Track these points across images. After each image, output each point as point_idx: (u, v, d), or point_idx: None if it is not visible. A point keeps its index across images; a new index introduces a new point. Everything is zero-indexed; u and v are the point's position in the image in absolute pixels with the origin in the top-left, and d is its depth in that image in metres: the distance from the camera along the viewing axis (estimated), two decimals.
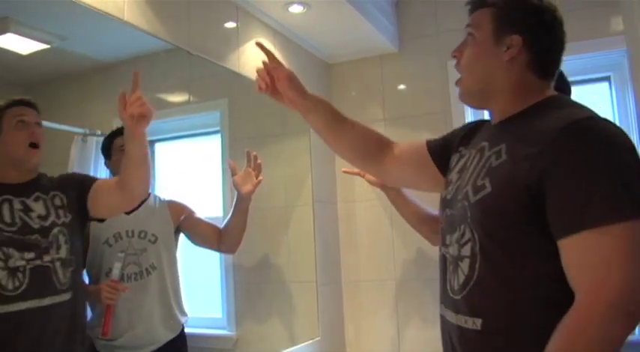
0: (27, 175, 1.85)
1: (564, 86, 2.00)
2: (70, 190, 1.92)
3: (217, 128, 3.36)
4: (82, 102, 3.29)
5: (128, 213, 2.26)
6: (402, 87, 3.58)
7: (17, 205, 1.75)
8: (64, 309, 1.78)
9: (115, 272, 2.13)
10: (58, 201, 1.86)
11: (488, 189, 1.24)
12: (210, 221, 2.59)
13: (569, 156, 1.12)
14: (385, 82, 3.62)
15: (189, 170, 3.49)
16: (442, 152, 1.61)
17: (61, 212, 1.85)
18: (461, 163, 1.45)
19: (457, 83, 1.44)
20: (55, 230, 1.80)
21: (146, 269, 2.25)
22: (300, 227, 3.38)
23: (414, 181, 1.85)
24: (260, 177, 2.52)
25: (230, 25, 2.77)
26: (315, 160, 3.44)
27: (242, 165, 2.57)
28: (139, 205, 2.32)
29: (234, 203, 2.52)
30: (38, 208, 1.80)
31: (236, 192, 2.51)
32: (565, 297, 1.11)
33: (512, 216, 1.19)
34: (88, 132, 3.03)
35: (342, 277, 3.64)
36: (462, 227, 1.31)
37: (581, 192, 1.09)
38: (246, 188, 2.47)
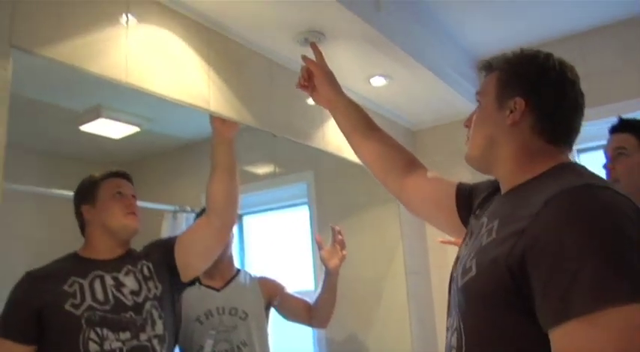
0: (120, 249, 1.84)
1: None
2: (155, 254, 1.90)
3: (304, 199, 3.36)
4: (170, 179, 3.37)
5: (218, 290, 2.26)
6: None
7: (109, 281, 1.73)
8: None
9: (207, 350, 2.12)
10: (146, 271, 1.83)
11: (473, 272, 1.10)
12: (302, 295, 2.53)
13: (551, 232, 0.96)
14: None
15: (278, 242, 3.49)
16: (466, 201, 1.46)
17: (150, 283, 1.81)
18: (467, 237, 1.31)
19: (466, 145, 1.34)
20: (148, 305, 1.75)
21: (237, 347, 2.22)
22: (393, 299, 3.24)
23: (432, 216, 1.68)
24: (344, 252, 2.46)
25: (311, 101, 2.77)
26: (406, 229, 3.34)
27: (330, 235, 2.53)
28: (229, 281, 2.32)
29: (323, 278, 2.46)
30: (130, 283, 1.76)
31: (324, 267, 2.45)
32: None
33: (496, 303, 1.04)
34: (178, 209, 3.10)
35: (439, 351, 3.46)
36: (453, 313, 1.19)
37: (564, 274, 0.92)
38: (333, 263, 2.42)
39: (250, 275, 2.45)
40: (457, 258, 1.29)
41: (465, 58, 3.36)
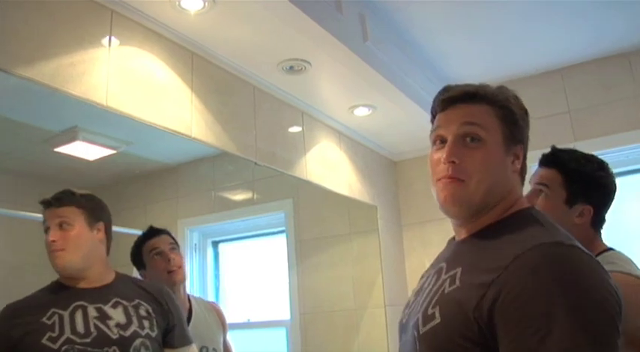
0: (105, 276, 1.70)
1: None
2: (164, 310, 1.74)
3: (282, 228, 3.31)
4: (145, 204, 3.29)
5: None
6: None
7: (92, 312, 1.58)
8: None
9: None
10: (143, 312, 1.68)
11: (437, 320, 1.03)
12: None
13: (521, 289, 0.92)
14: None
15: (254, 271, 3.42)
16: None
17: (147, 323, 1.66)
18: (421, 282, 1.23)
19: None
20: (138, 342, 1.60)
21: None
22: (372, 330, 3.19)
23: None
24: None
25: (295, 129, 2.77)
26: (386, 261, 3.30)
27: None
28: (189, 316, 2.10)
29: None
30: (117, 316, 1.61)
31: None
32: None
33: None
34: None
35: None
36: None
37: (532, 336, 0.89)
38: None
39: (203, 302, 2.27)
40: (407, 304, 1.22)
41: None
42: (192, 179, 2.80)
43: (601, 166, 1.60)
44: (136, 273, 2.10)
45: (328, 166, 2.97)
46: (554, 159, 1.62)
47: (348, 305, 3.26)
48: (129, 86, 1.80)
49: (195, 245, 2.97)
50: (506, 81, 2.86)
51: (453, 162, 1.10)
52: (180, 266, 2.06)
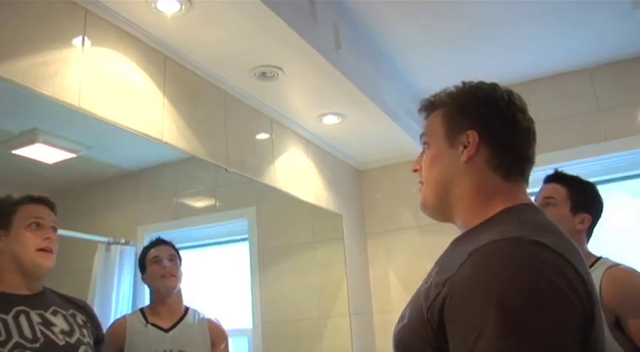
0: (35, 285, 1.63)
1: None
2: (95, 324, 1.73)
3: (245, 236, 3.28)
4: (105, 209, 3.21)
5: (167, 331, 2.13)
6: None
7: (36, 318, 1.53)
8: None
9: None
10: (80, 320, 1.65)
11: (405, 320, 1.04)
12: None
13: (464, 288, 0.91)
14: (418, 187, 3.53)
15: (217, 279, 3.38)
16: None
17: (85, 331, 1.63)
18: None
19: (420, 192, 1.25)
20: (82, 349, 1.58)
21: None
22: (336, 339, 3.18)
23: None
24: None
25: (264, 136, 2.75)
26: (350, 269, 3.29)
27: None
28: (178, 321, 2.21)
29: None
30: (60, 323, 1.58)
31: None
32: None
33: None
34: (111, 240, 2.93)
35: None
36: None
37: (467, 336, 0.87)
38: None
39: (199, 315, 2.32)
40: None
41: (414, 100, 3.39)
42: (154, 185, 2.74)
43: (593, 185, 1.98)
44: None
45: (296, 174, 2.95)
46: (559, 176, 1.98)
47: (312, 314, 3.24)
48: (101, 88, 1.75)
49: None
50: None
51: (415, 170, 1.24)
52: (174, 275, 2.23)
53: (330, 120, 2.92)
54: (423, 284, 1.06)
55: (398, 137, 3.17)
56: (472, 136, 1.10)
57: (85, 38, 1.71)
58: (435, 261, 1.13)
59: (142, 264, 2.26)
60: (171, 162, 2.52)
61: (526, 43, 2.88)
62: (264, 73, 2.33)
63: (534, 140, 1.14)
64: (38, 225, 1.62)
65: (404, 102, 3.17)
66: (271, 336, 3.00)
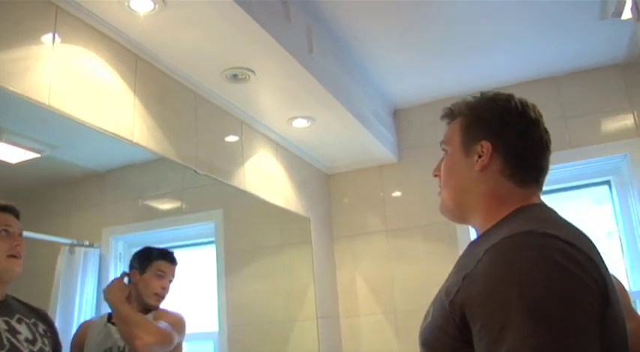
0: (3, 291, 1.63)
1: None
2: (54, 334, 1.72)
3: (212, 238, 3.25)
4: (69, 211, 3.15)
5: None
6: (402, 196, 3.51)
7: (2, 325, 1.53)
8: None
9: None
10: (41, 329, 1.65)
11: (429, 318, 1.09)
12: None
13: (483, 283, 0.96)
14: (386, 192, 3.57)
15: (182, 281, 3.35)
16: None
17: (46, 341, 1.64)
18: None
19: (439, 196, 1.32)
20: None
21: None
22: (303, 343, 3.17)
23: None
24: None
25: (234, 139, 2.73)
26: (318, 273, 3.29)
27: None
28: None
29: None
30: (24, 331, 1.58)
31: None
32: None
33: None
34: (75, 242, 2.88)
35: None
36: None
37: (491, 330, 0.91)
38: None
39: (161, 311, 2.28)
40: None
41: (384, 106, 3.41)
42: (120, 186, 2.70)
43: None
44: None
45: (265, 177, 2.94)
46: None
47: (279, 318, 3.22)
48: (72, 86, 1.72)
49: (120, 254, 2.86)
50: (444, 99, 2.95)
51: (436, 175, 1.32)
52: (164, 297, 2.26)
53: (300, 123, 2.92)
54: (443, 284, 1.11)
55: (367, 142, 3.19)
56: (486, 147, 1.18)
57: (56, 35, 1.68)
58: (438, 265, 1.18)
59: (143, 263, 2.24)
60: (139, 164, 2.49)
61: (493, 52, 2.94)
62: (235, 75, 2.32)
63: (548, 149, 1.21)
64: (7, 232, 1.65)
65: (374, 107, 3.19)
66: (238, 340, 2.98)
